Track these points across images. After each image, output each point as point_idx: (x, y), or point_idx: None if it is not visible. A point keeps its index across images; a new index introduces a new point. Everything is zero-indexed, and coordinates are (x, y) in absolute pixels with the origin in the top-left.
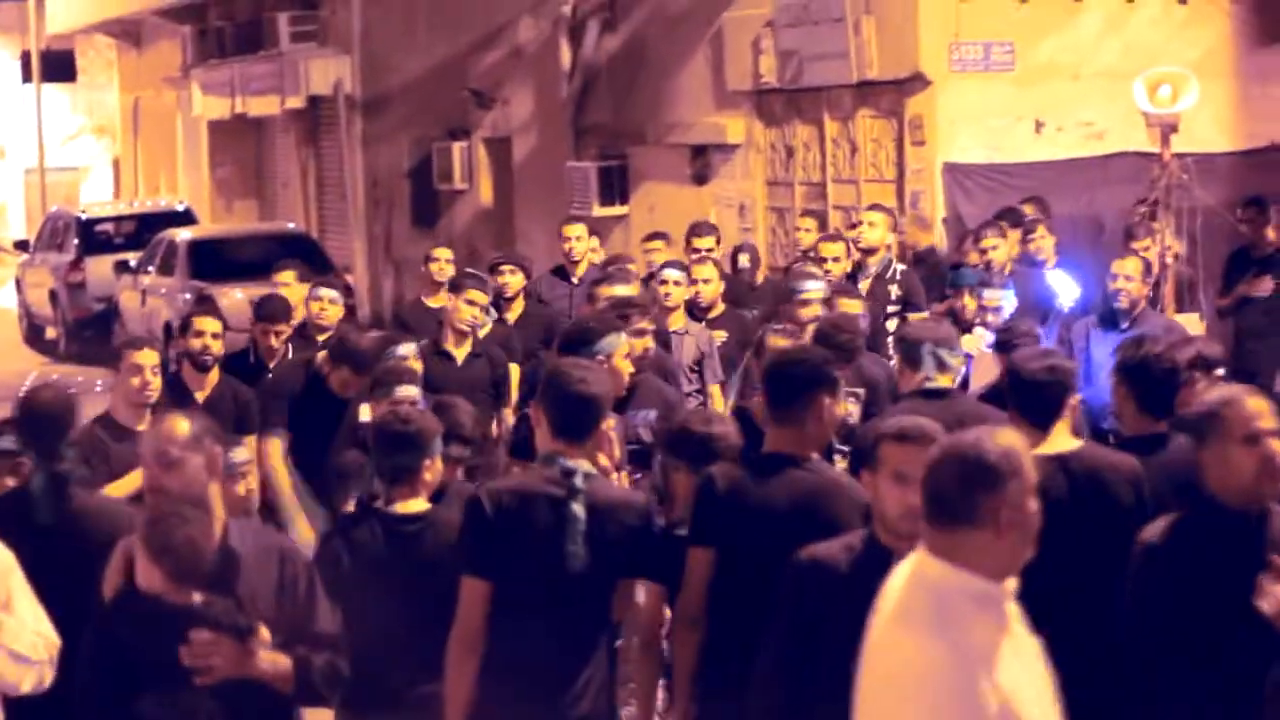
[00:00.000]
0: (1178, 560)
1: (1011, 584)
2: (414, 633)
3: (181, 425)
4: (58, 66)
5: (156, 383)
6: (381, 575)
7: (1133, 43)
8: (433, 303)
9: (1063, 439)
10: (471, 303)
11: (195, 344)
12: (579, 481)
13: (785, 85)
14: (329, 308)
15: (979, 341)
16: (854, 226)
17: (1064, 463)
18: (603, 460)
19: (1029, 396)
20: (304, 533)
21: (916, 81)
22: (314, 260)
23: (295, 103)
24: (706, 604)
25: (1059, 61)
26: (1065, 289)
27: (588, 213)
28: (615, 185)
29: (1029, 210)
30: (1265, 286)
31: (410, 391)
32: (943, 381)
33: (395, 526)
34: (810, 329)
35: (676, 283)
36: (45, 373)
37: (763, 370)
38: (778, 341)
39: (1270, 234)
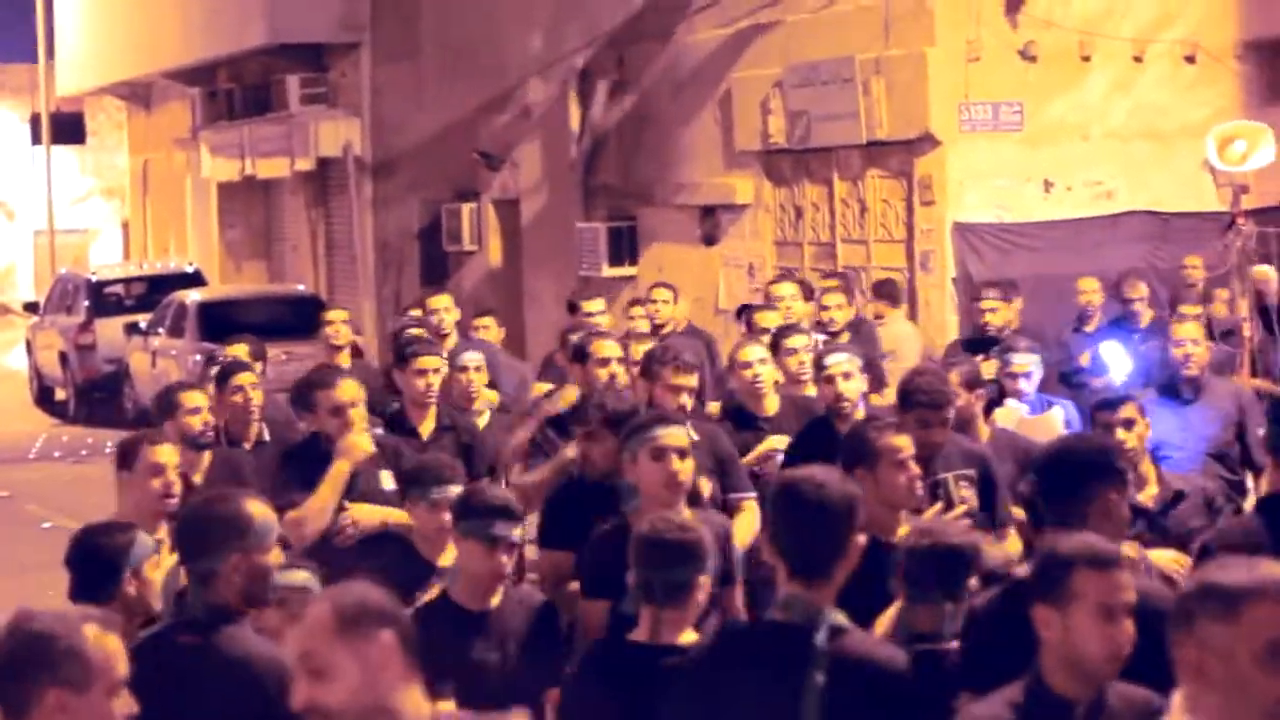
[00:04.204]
0: None
1: None
2: None
3: (321, 609)
4: (67, 128)
5: (179, 485)
6: None
7: (1141, 102)
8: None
9: None
10: (421, 372)
11: (194, 424)
12: (820, 639)
13: (794, 145)
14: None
15: (1014, 415)
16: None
17: None
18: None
19: None
20: None
21: (926, 142)
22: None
23: (304, 164)
24: None
25: (1068, 121)
26: (1117, 362)
27: (597, 273)
28: (624, 246)
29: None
30: None
31: (455, 492)
32: None
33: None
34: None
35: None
36: (54, 434)
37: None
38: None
39: None
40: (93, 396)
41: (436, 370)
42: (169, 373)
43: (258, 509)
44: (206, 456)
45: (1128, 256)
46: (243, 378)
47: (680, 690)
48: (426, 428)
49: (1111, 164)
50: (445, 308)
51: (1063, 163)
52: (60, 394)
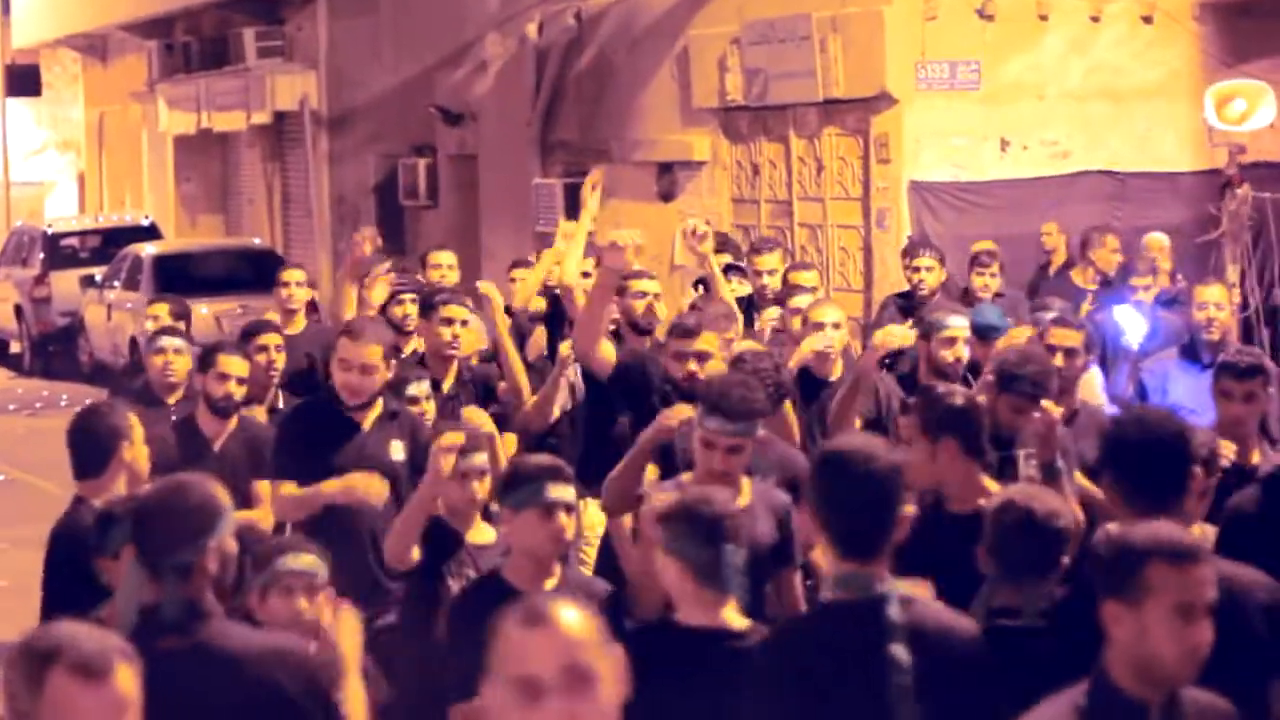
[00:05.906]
0: None
1: None
2: None
3: (583, 619)
4: (23, 80)
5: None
6: None
7: (1098, 62)
8: (289, 330)
9: None
10: (449, 321)
11: (218, 390)
12: (894, 612)
13: (751, 103)
14: (276, 356)
15: None
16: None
17: None
18: None
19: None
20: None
21: (882, 100)
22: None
23: (261, 118)
24: None
25: (1024, 81)
26: (1132, 325)
27: (553, 229)
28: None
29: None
30: None
31: (482, 460)
32: None
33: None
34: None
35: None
36: (9, 387)
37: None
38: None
39: None
40: (48, 349)
41: (465, 322)
42: (124, 326)
43: (220, 491)
44: (232, 423)
45: (1084, 216)
46: (268, 338)
47: (756, 682)
48: (448, 382)
49: (1068, 124)
50: (450, 265)
51: (1019, 122)
52: (15, 347)
